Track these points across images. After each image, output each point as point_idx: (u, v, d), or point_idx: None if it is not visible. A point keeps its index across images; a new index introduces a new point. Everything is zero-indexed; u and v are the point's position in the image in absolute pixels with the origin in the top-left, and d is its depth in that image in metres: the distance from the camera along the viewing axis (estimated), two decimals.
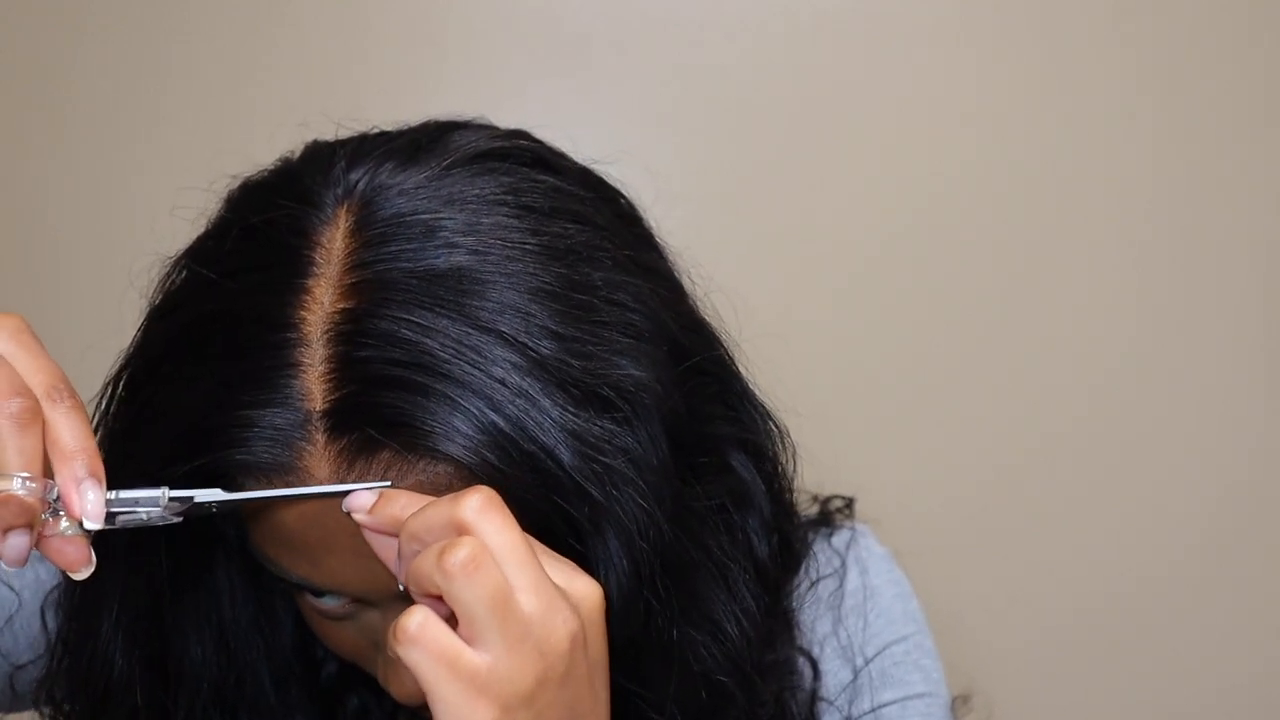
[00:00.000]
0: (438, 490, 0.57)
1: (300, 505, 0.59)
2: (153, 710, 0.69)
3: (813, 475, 0.78)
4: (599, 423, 0.58)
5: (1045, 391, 1.27)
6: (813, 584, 0.76)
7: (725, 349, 0.70)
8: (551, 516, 0.57)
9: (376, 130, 0.67)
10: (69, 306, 1.22)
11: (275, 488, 0.58)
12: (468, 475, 0.57)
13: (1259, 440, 1.27)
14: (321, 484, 0.58)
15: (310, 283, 0.58)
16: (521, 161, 0.64)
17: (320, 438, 0.57)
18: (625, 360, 0.60)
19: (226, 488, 0.61)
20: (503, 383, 0.56)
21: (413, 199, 0.60)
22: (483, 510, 0.53)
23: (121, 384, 0.64)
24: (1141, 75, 1.23)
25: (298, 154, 0.67)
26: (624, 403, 0.59)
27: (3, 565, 0.76)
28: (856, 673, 0.74)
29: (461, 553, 0.51)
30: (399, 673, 0.63)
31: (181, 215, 0.67)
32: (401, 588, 0.56)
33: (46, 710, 0.75)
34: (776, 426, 0.71)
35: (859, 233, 1.25)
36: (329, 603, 0.64)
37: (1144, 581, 1.29)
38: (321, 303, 0.58)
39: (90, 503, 0.52)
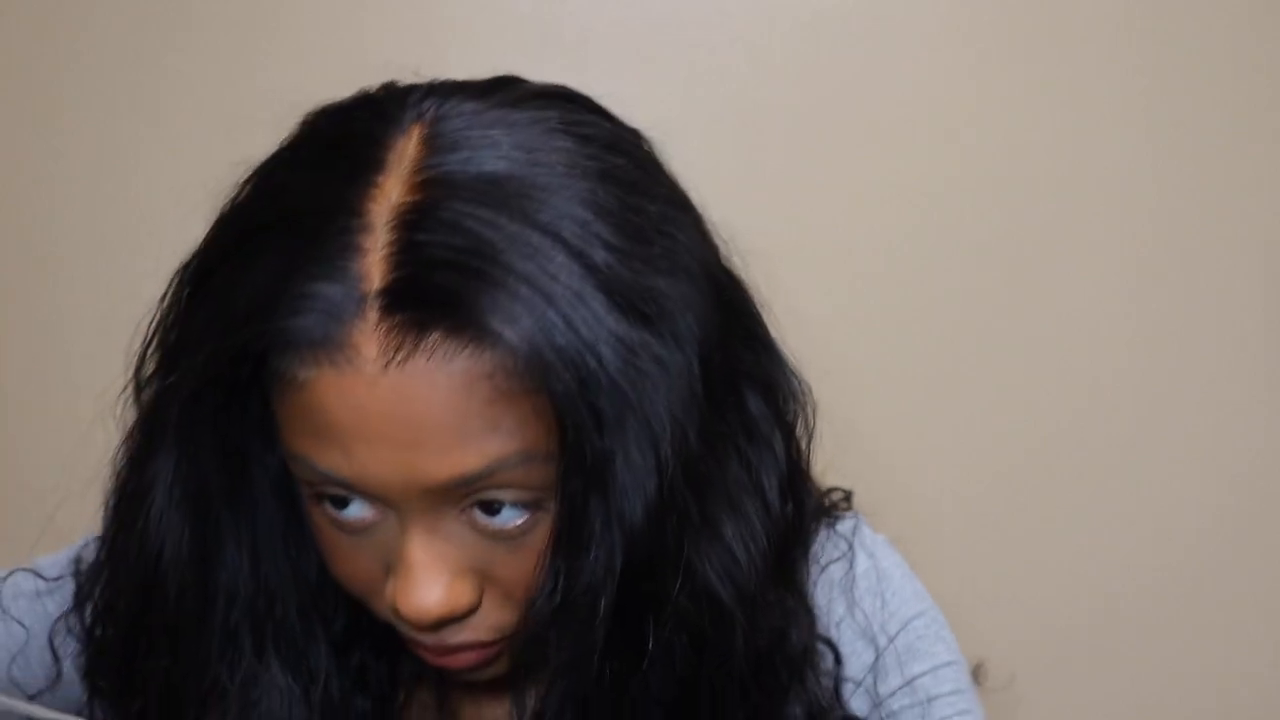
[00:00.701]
0: (481, 380, 0.60)
1: (344, 388, 0.60)
2: (192, 611, 0.70)
3: (820, 462, 0.80)
4: (640, 332, 0.62)
5: (1050, 388, 1.27)
6: (823, 568, 0.78)
7: (756, 302, 0.74)
8: (582, 413, 0.60)
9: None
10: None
11: (322, 366, 0.61)
12: (513, 366, 0.59)
13: (1264, 439, 1.27)
14: (368, 362, 0.60)
15: (380, 178, 0.62)
16: (584, 106, 0.70)
17: (373, 315, 0.60)
18: (669, 283, 0.64)
19: (271, 373, 0.63)
20: (555, 278, 0.60)
21: (483, 119, 0.65)
22: None
23: (187, 276, 0.67)
24: (1146, 76, 1.24)
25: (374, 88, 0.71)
26: (664, 322, 0.63)
27: (5, 600, 0.79)
28: (880, 651, 0.75)
29: None
30: (408, 587, 0.65)
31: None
32: None
33: (77, 636, 0.77)
34: (798, 380, 0.75)
35: (861, 233, 1.26)
36: (351, 514, 0.66)
37: (1147, 580, 1.29)
38: (389, 196, 0.61)
39: None
